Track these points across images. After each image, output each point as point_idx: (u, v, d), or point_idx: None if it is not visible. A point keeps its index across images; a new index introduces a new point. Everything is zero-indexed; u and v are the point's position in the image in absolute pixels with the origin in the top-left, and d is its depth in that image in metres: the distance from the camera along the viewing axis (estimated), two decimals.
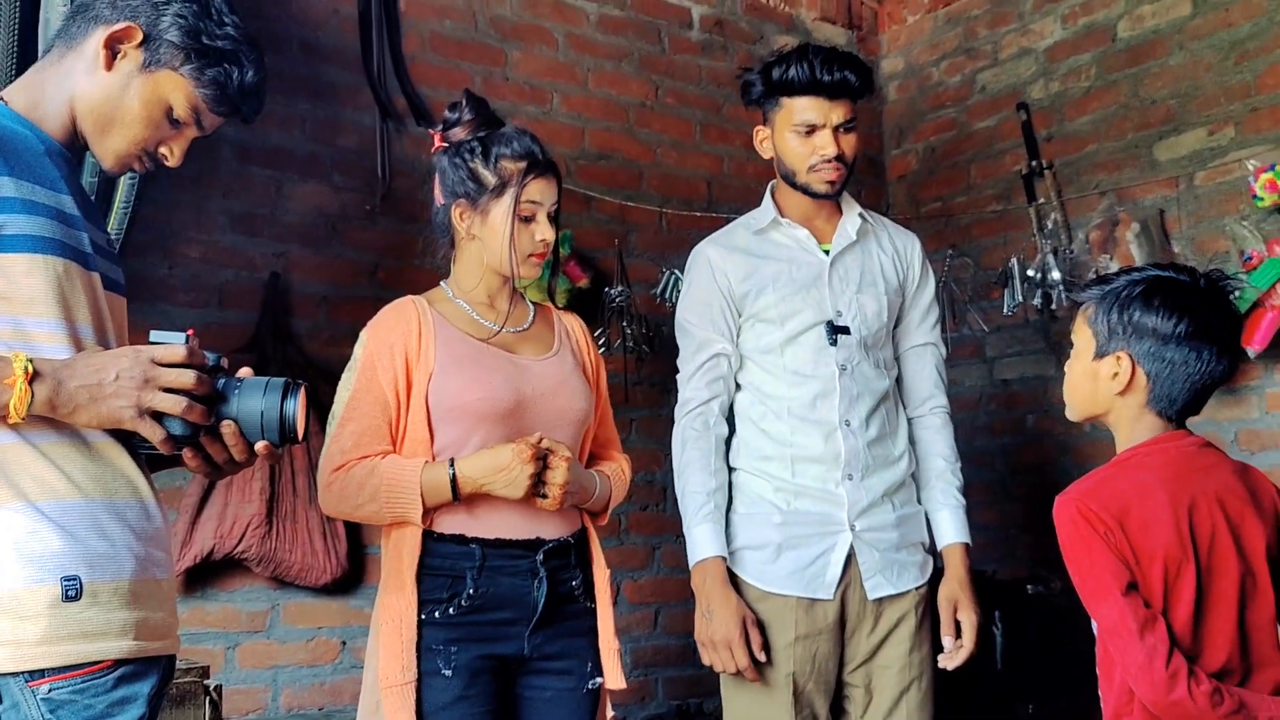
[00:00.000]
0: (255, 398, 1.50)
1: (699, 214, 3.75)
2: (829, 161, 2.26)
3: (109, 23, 1.56)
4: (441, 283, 2.19)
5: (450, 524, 1.99)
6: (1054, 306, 3.34)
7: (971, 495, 3.45)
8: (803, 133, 2.27)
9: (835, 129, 2.26)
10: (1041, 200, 3.66)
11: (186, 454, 1.48)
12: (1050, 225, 3.60)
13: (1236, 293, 1.75)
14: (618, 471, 2.22)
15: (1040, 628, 2.88)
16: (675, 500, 2.43)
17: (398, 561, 1.99)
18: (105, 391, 1.39)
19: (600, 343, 3.34)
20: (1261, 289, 2.89)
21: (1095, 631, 1.72)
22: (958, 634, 2.24)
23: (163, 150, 1.62)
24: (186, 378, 1.43)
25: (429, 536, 1.99)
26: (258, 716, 2.89)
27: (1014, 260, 3.40)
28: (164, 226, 2.88)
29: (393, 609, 1.96)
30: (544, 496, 1.98)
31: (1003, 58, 3.86)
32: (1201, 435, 1.76)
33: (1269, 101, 3.15)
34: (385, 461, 1.98)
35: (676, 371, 2.52)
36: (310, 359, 3.03)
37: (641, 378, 3.55)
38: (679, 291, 3.34)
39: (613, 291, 3.35)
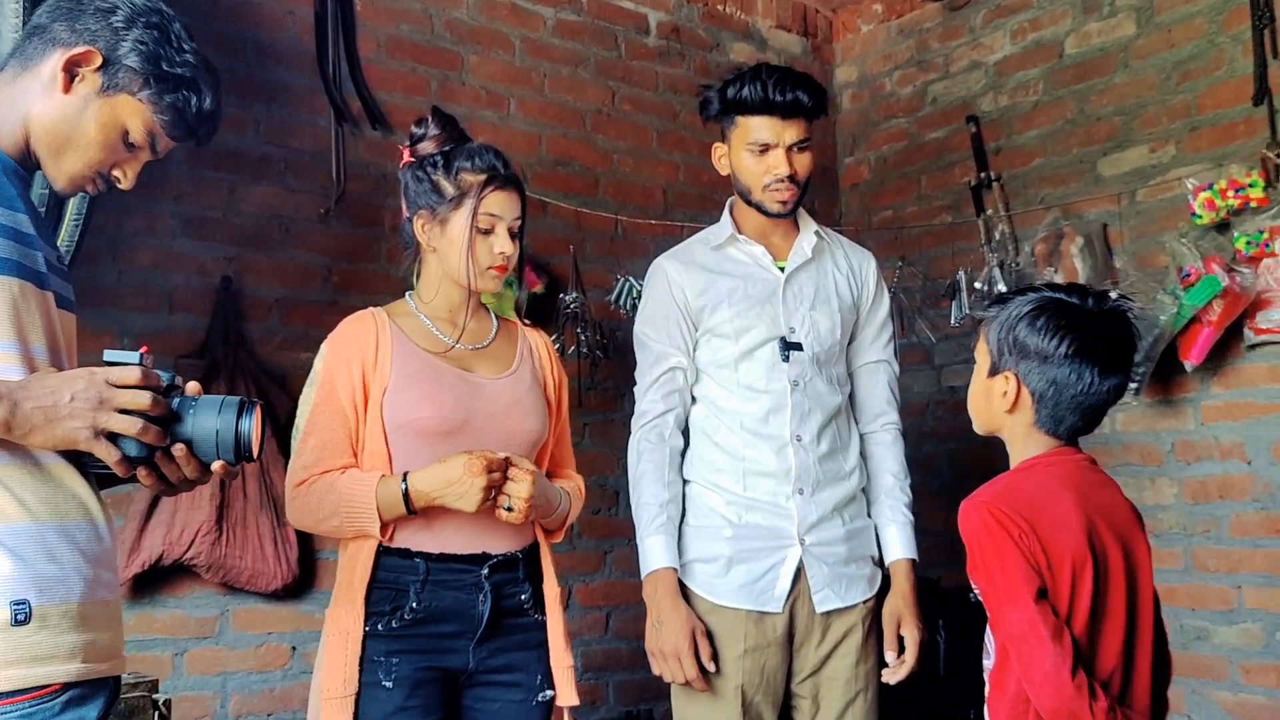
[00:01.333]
0: (210, 417, 1.50)
1: (654, 221, 3.78)
2: (781, 181, 2.30)
3: (67, 45, 1.55)
4: (406, 294, 2.20)
5: (399, 538, 2.01)
6: None
7: (918, 500, 3.49)
8: (756, 151, 2.30)
9: (789, 148, 2.29)
10: (989, 212, 3.73)
11: (141, 473, 1.48)
12: (998, 237, 3.68)
13: (1131, 311, 1.77)
14: (575, 490, 2.24)
15: (983, 635, 2.93)
16: (627, 505, 2.45)
17: (350, 574, 2.01)
18: (61, 413, 1.39)
19: (555, 349, 3.35)
20: (1198, 306, 2.96)
21: (989, 643, 1.74)
22: (901, 649, 2.29)
23: (115, 173, 1.62)
24: (142, 399, 1.43)
25: (376, 550, 2.00)
26: None
27: (962, 273, 3.46)
28: (114, 232, 2.85)
29: (340, 621, 1.98)
30: (509, 510, 2.00)
31: (954, 70, 3.93)
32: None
33: (1209, 121, 3.23)
34: (344, 477, 2.00)
35: (630, 377, 2.54)
36: (262, 364, 3.02)
37: (595, 382, 3.57)
38: (633, 298, 3.38)
39: (567, 298, 3.37)
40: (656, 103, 3.88)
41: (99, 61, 1.56)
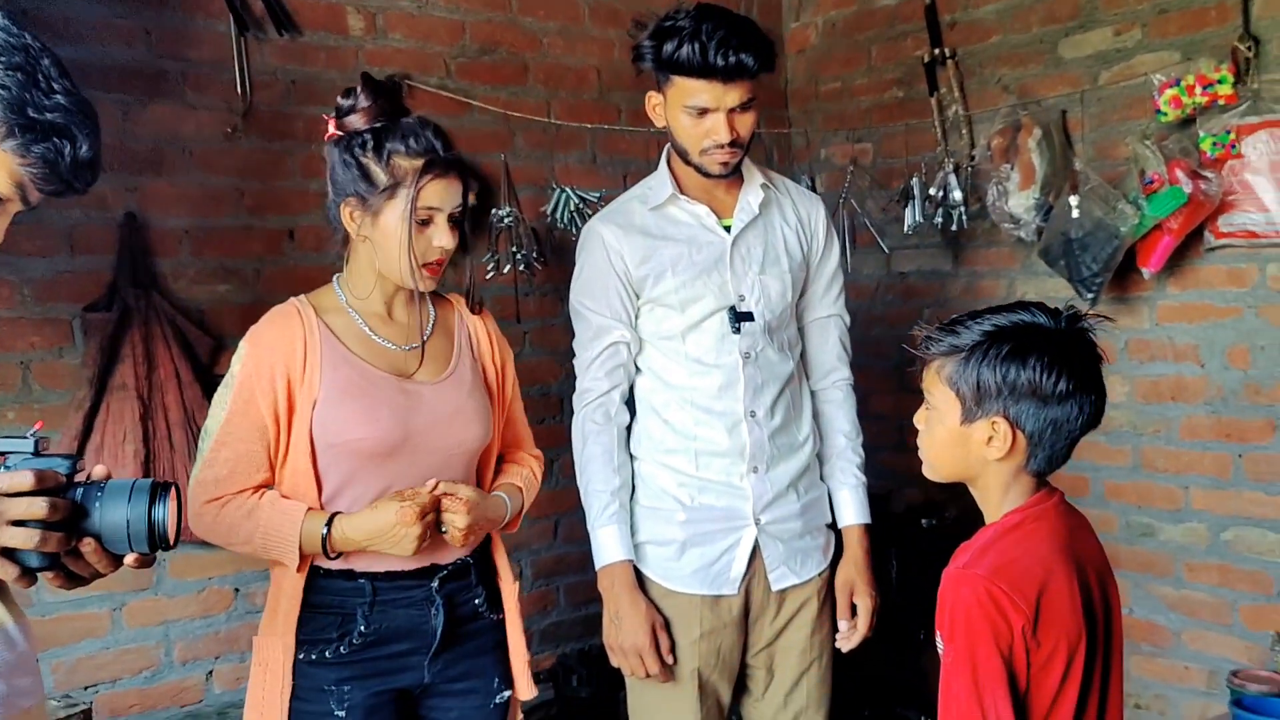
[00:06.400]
0: (119, 506, 1.35)
1: (590, 104, 3.55)
2: (721, 146, 2.10)
3: None
4: (335, 279, 1.99)
5: (341, 559, 1.89)
6: (954, 228, 3.26)
7: (868, 383, 3.45)
8: (695, 114, 2.09)
9: (730, 111, 2.09)
10: (943, 90, 3.53)
11: (46, 577, 1.35)
12: (951, 117, 3.50)
13: (1093, 330, 1.59)
14: (529, 479, 2.13)
15: (933, 557, 2.93)
16: (571, 412, 2.33)
17: (276, 600, 1.91)
18: None
19: (490, 266, 3.19)
20: (1160, 217, 2.85)
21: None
22: (854, 616, 2.27)
23: None
24: (38, 508, 1.27)
25: (315, 572, 1.90)
26: (151, 673, 2.84)
27: (915, 179, 3.29)
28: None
29: (262, 651, 1.90)
30: (445, 532, 1.89)
31: None
32: None
33: (1178, 4, 3.03)
34: (264, 504, 1.86)
35: (567, 278, 2.38)
36: (176, 303, 2.82)
37: (534, 288, 3.41)
38: (570, 210, 3.20)
39: (500, 213, 3.17)
40: None
41: None
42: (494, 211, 3.17)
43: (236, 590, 2.96)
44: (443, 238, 1.88)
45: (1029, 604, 1.49)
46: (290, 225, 3.01)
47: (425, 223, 1.87)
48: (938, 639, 1.58)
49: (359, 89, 1.89)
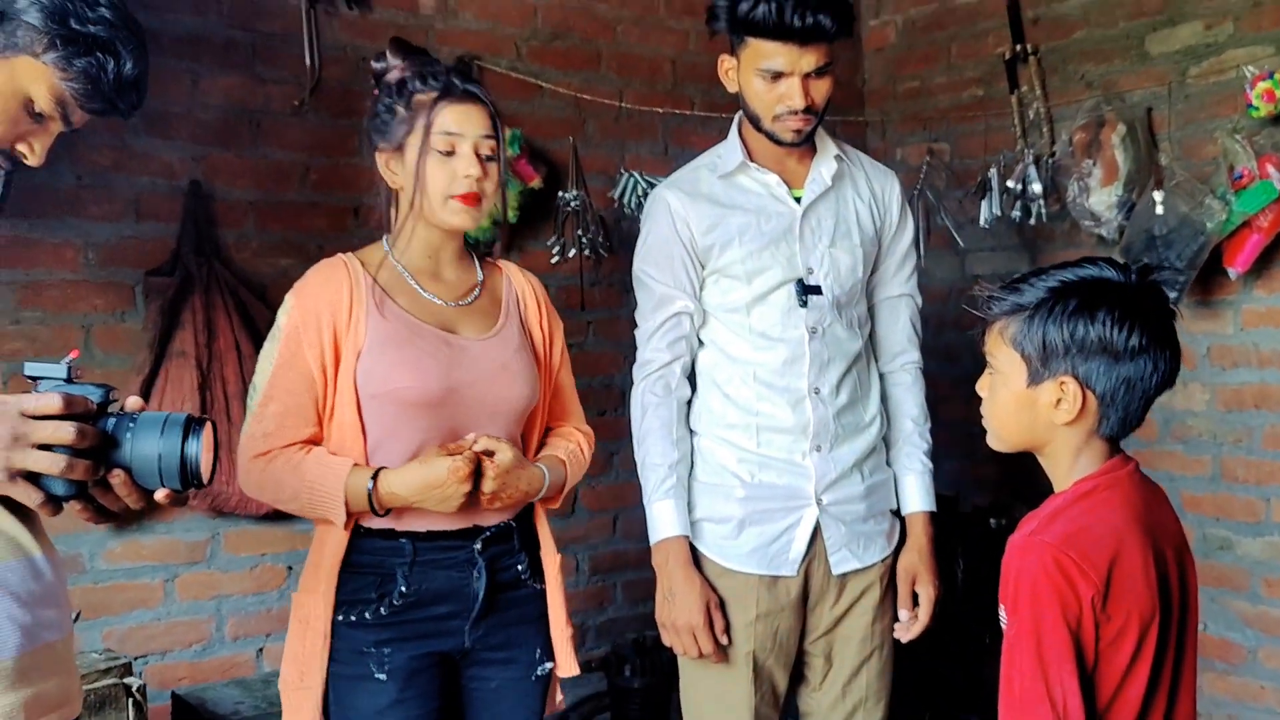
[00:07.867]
0: (151, 439, 1.30)
1: (663, 95, 3.50)
2: (795, 113, 2.04)
3: None
4: (383, 238, 1.96)
5: (379, 518, 1.85)
6: (1033, 221, 3.16)
7: (939, 390, 3.35)
8: (768, 78, 2.03)
9: (805, 76, 2.02)
10: (1024, 88, 3.43)
11: (74, 507, 1.31)
12: (1032, 116, 3.40)
13: (1165, 282, 1.51)
14: (575, 453, 2.05)
15: (1001, 559, 2.83)
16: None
17: (318, 556, 1.87)
18: None
19: (555, 251, 3.14)
20: (1250, 213, 2.73)
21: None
22: (916, 605, 2.17)
23: (20, 148, 1.40)
24: (65, 432, 1.22)
25: (356, 531, 1.85)
26: (201, 647, 2.81)
27: (994, 170, 3.19)
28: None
29: (302, 608, 1.86)
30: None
31: None
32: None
33: None
34: (310, 459, 1.82)
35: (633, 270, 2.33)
36: (239, 274, 2.82)
37: (599, 278, 3.37)
38: (638, 195, 3.15)
39: (567, 195, 3.13)
40: None
41: None
42: (560, 195, 3.13)
43: (290, 568, 2.94)
44: (468, 166, 1.83)
45: (1099, 574, 1.39)
46: (355, 203, 2.99)
47: (450, 154, 1.84)
48: (1001, 612, 1.48)
49: (388, 52, 1.92)
